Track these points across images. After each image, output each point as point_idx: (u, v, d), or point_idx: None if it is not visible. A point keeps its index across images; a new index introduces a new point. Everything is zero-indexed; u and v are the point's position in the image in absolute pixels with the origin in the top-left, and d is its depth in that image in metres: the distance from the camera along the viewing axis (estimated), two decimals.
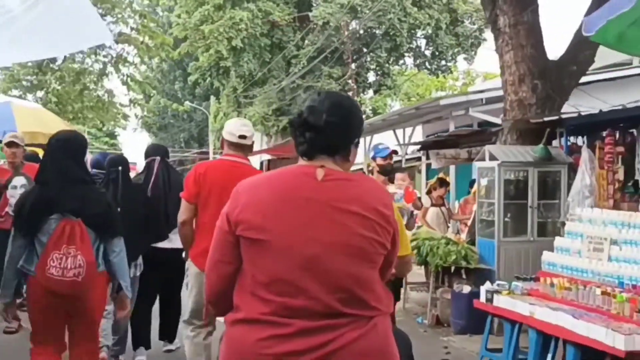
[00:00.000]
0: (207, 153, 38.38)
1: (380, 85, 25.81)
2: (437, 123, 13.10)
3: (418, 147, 13.27)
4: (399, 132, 13.60)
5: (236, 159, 3.89)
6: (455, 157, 9.32)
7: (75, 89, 11.61)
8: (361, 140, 2.03)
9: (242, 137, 3.89)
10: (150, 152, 5.08)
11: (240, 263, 1.84)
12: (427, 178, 15.63)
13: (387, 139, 15.69)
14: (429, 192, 8.45)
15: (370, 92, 28.19)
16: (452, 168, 10.87)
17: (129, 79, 11.61)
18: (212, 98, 36.74)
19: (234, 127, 3.94)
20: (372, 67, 26.91)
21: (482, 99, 10.19)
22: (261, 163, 18.99)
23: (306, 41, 25.14)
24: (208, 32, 23.26)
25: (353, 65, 26.39)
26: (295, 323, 1.73)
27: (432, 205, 8.23)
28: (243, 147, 3.93)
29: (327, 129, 1.80)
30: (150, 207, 4.72)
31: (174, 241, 4.57)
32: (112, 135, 52.31)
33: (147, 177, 4.88)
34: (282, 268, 1.76)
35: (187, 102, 43.30)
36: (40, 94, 14.25)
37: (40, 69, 13.10)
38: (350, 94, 28.56)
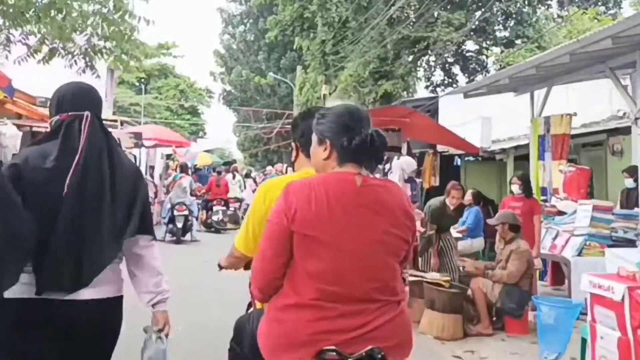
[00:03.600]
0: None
1: (518, 36, 19.22)
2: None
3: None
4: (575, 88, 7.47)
5: None
6: None
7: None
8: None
9: None
10: (71, 99, 2.55)
11: (289, 256, 2.16)
12: None
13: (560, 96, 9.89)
14: None
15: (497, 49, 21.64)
16: None
17: None
18: (299, 68, 31.64)
19: None
20: (503, 13, 20.33)
21: None
22: None
23: None
24: None
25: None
26: (338, 307, 2.13)
27: None
28: None
29: (373, 145, 2.22)
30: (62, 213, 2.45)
31: (100, 286, 2.49)
32: (194, 112, 49.41)
33: (63, 150, 2.47)
34: (329, 260, 2.12)
35: (270, 74, 38.87)
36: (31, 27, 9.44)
37: None
38: (471, 52, 22.09)
